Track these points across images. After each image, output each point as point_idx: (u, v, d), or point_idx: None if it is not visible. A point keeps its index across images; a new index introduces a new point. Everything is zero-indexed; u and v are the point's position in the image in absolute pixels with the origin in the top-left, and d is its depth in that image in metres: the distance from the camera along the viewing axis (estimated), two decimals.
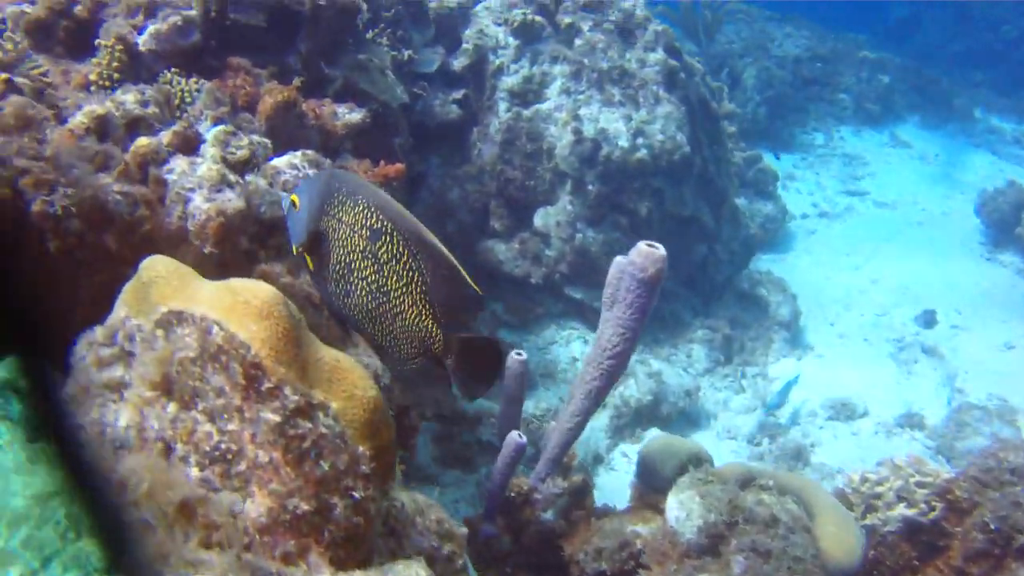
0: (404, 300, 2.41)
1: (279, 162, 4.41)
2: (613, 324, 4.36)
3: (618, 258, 4.58)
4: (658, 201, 7.97)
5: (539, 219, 7.77)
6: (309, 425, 1.74)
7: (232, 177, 3.50)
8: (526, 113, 7.81)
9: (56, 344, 3.27)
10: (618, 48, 8.16)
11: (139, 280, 1.97)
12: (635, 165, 7.64)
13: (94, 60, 4.82)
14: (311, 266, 2.59)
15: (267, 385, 1.72)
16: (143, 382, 1.78)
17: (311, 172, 4.49)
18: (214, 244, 3.32)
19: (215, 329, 1.74)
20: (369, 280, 2.40)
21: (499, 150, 7.79)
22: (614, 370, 4.47)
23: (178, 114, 4.72)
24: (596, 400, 4.60)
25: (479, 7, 8.27)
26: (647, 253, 4.14)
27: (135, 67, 4.97)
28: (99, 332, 2.00)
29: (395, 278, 2.39)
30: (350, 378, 1.89)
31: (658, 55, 8.17)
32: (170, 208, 3.37)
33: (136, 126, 4.00)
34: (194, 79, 4.95)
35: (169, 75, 4.98)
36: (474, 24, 8.16)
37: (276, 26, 6.00)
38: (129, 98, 4.03)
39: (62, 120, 4.34)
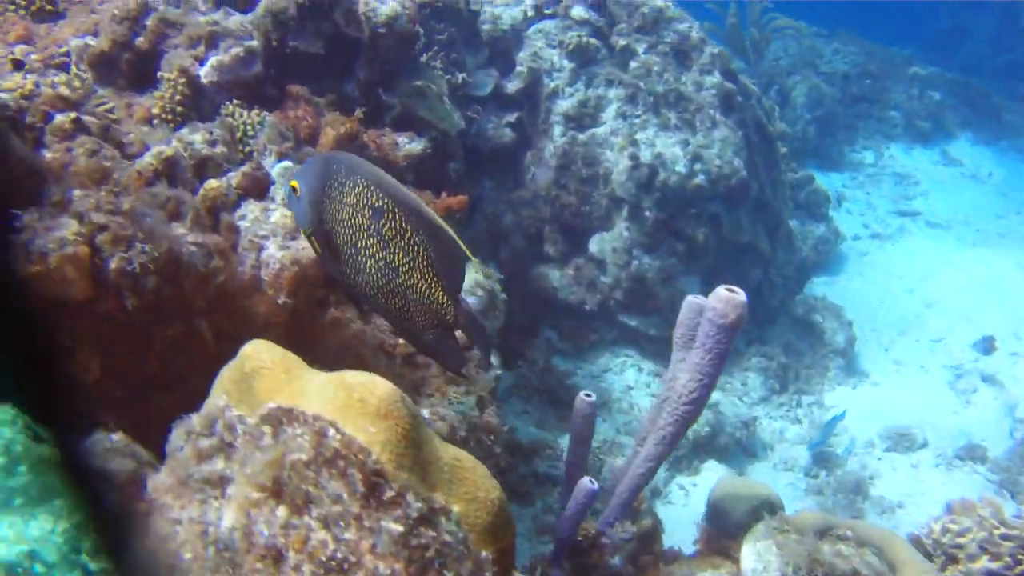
0: (413, 274, 2.48)
1: None
2: (690, 370, 4.19)
3: (690, 298, 4.42)
4: (715, 227, 7.81)
5: (594, 245, 7.63)
6: (432, 533, 1.62)
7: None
8: (581, 137, 7.67)
9: (122, 400, 3.17)
10: (674, 71, 8.01)
11: (241, 369, 1.85)
12: (692, 191, 7.49)
13: (157, 93, 4.74)
14: (318, 250, 2.64)
15: (389, 494, 1.60)
16: (250, 483, 1.66)
17: None
18: (289, 294, 3.20)
19: (331, 432, 1.61)
20: (377, 258, 2.47)
21: (554, 175, 7.66)
22: (690, 416, 4.32)
23: (242, 149, 4.62)
24: (670, 446, 4.45)
25: (532, 29, 8.15)
26: (728, 299, 3.98)
27: (197, 99, 4.89)
28: (197, 421, 1.88)
29: (401, 254, 2.45)
30: (472, 478, 1.76)
31: (714, 78, 8.01)
32: (243, 256, 3.26)
33: (204, 166, 3.90)
34: (256, 111, 4.85)
35: (231, 107, 4.90)
36: (528, 46, 8.04)
37: (334, 53, 5.91)
38: (197, 138, 3.94)
39: (128, 157, 4.27)
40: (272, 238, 3.30)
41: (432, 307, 2.53)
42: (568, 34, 8.02)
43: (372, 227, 2.44)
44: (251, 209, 3.49)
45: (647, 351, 7.94)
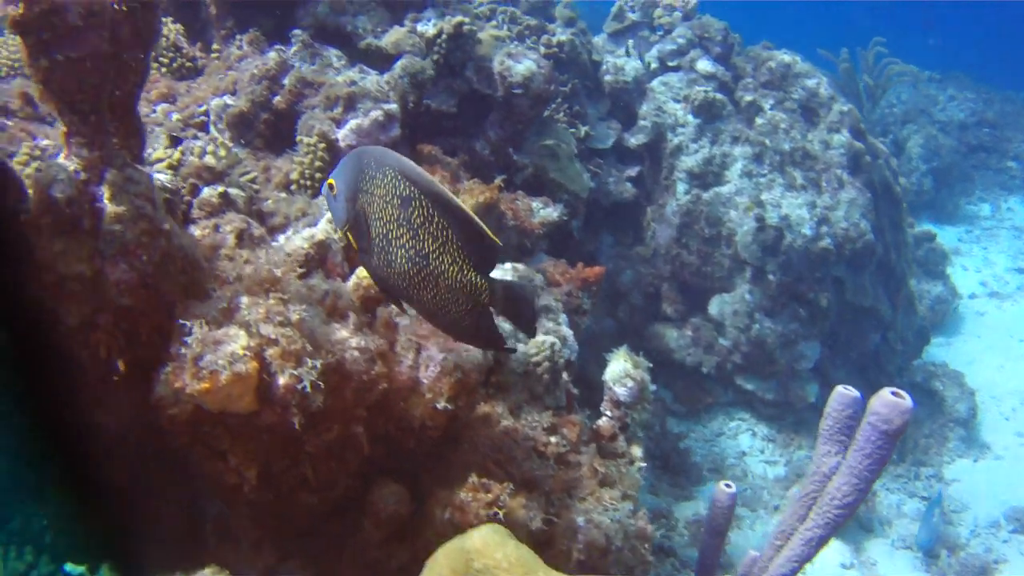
0: (443, 260, 2.49)
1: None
2: (847, 473, 3.92)
3: (841, 389, 4.13)
4: (838, 290, 7.53)
5: (714, 307, 7.39)
6: None
7: None
8: (705, 196, 7.45)
9: (268, 502, 3.03)
10: (801, 128, 7.76)
11: (466, 562, 1.68)
12: (818, 254, 7.22)
13: (296, 159, 4.64)
14: (355, 245, 2.66)
15: None
16: None
17: None
18: (449, 400, 3.04)
19: None
20: (407, 247, 2.49)
21: (675, 233, 7.44)
22: (841, 520, 4.04)
23: None
24: (817, 548, 4.18)
25: (656, 82, 7.95)
26: (893, 404, 3.70)
27: (335, 164, 4.77)
28: None
29: (430, 240, 2.45)
30: None
31: (842, 137, 7.73)
32: (401, 357, 3.10)
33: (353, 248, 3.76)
34: None
35: None
36: (651, 100, 7.83)
37: (465, 111, 5.79)
38: None
39: (272, 229, 4.16)
40: (433, 337, 3.14)
41: (466, 289, 2.53)
42: (694, 89, 7.81)
43: (401, 216, 2.45)
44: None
45: (762, 415, 7.67)
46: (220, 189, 3.89)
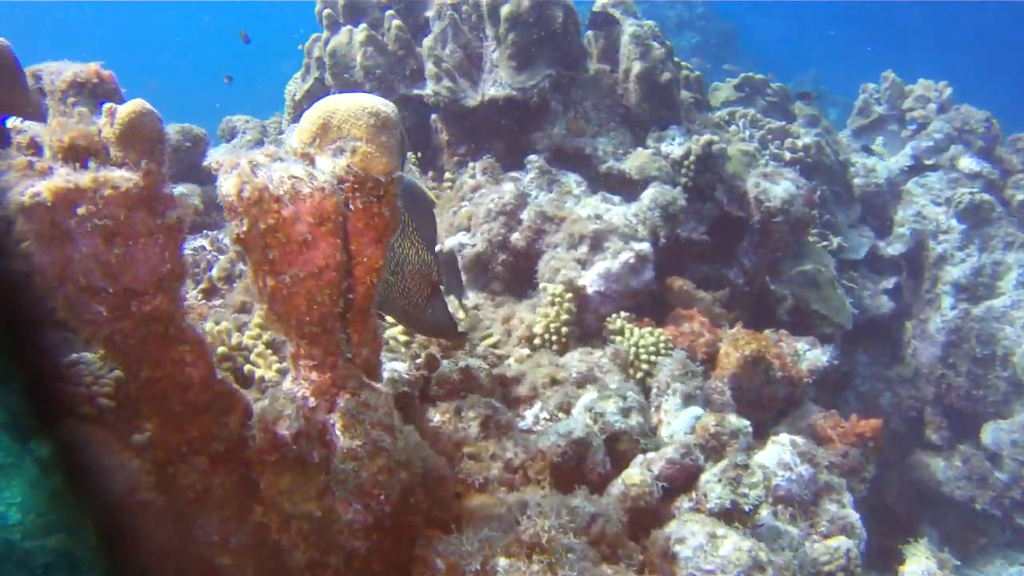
0: (404, 244, 2.52)
1: (766, 459, 3.36)
2: None
3: None
4: None
5: (988, 435, 6.29)
6: None
7: (763, 556, 2.45)
8: (976, 311, 6.40)
9: None
10: None
11: None
12: None
13: (540, 309, 4.01)
14: None
15: None
16: None
17: (803, 471, 3.42)
18: None
19: None
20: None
21: (941, 352, 6.42)
22: None
23: (635, 374, 3.81)
24: None
25: (912, 184, 6.98)
26: None
27: (580, 312, 4.12)
28: None
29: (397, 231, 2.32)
30: None
31: None
32: None
33: (616, 440, 3.08)
34: (649, 331, 4.02)
35: (619, 321, 4.10)
36: (908, 204, 6.87)
37: (716, 236, 5.05)
38: (609, 407, 3.11)
39: (516, 400, 3.53)
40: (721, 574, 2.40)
41: (423, 270, 2.58)
42: (956, 190, 6.79)
43: None
44: (689, 526, 2.60)
45: None
46: (461, 364, 3.28)
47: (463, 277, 4.43)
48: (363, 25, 5.41)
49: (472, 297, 4.37)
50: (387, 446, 2.25)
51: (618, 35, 5.38)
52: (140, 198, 1.91)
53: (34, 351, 2.18)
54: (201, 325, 3.56)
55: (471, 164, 5.13)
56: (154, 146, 1.95)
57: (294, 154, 2.17)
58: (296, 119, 5.73)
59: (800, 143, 6.66)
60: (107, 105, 1.91)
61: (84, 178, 1.86)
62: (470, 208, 4.65)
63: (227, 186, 1.93)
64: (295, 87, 6.00)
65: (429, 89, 5.29)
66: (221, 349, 3.28)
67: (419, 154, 5.45)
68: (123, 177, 1.88)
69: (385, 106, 2.23)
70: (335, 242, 2.04)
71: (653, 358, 3.87)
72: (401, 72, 5.50)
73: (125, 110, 1.91)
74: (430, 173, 5.40)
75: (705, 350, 4.11)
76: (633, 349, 3.93)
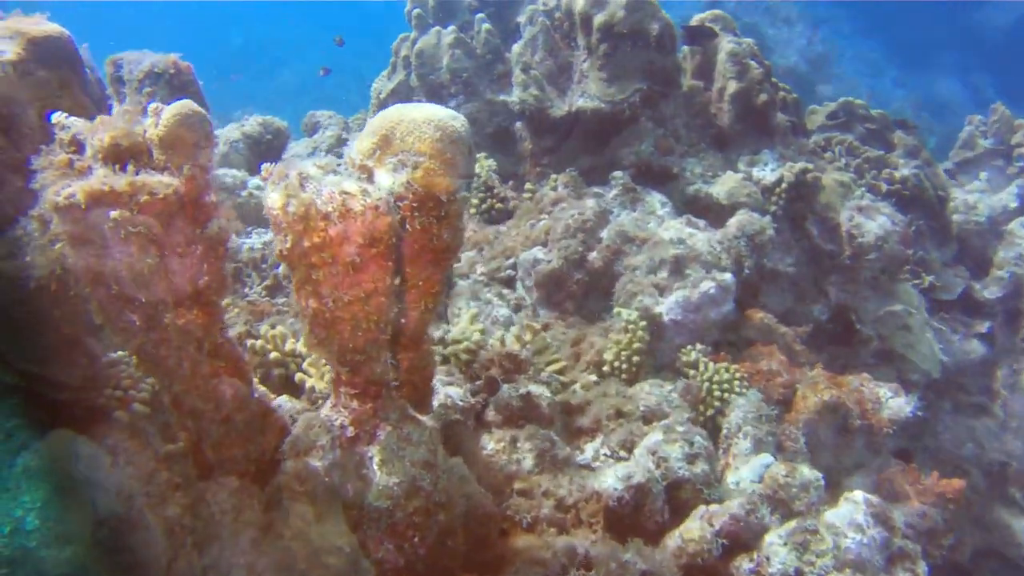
0: None
1: (837, 518, 3.09)
2: None
3: None
4: None
5: None
6: None
7: None
8: None
9: None
10: None
11: None
12: None
13: (612, 336, 3.79)
14: None
15: None
16: None
17: (876, 535, 3.15)
18: None
19: None
20: None
21: None
22: None
23: (704, 412, 3.58)
24: None
25: (1016, 224, 6.57)
26: None
27: (655, 340, 3.90)
28: None
29: None
30: None
31: None
32: None
33: (678, 488, 2.85)
34: (725, 366, 3.78)
35: (693, 352, 3.86)
36: (1010, 245, 6.47)
37: (802, 269, 4.77)
38: (674, 452, 2.89)
39: (579, 432, 3.33)
40: None
41: None
42: None
43: None
44: None
45: None
46: (522, 390, 3.09)
47: (535, 294, 4.23)
48: (452, 27, 5.26)
49: (543, 315, 4.17)
50: (426, 486, 2.06)
51: (715, 52, 5.13)
52: (179, 206, 1.76)
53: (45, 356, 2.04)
54: (256, 326, 3.42)
55: (553, 176, 4.93)
56: (199, 150, 1.79)
57: (351, 165, 2.00)
58: None
59: (898, 174, 6.31)
60: (153, 104, 1.76)
61: (121, 181, 1.71)
62: (549, 222, 4.45)
63: (273, 199, 1.77)
64: (380, 85, 5.88)
65: (515, 96, 5.10)
66: (274, 354, 3.13)
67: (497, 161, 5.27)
68: (162, 183, 1.73)
69: (454, 120, 2.05)
70: (386, 265, 1.86)
71: (726, 396, 3.62)
72: (488, 76, 5.33)
73: (171, 111, 1.76)
74: (510, 182, 5.21)
75: (781, 391, 3.85)
76: (706, 385, 3.70)
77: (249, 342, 3.22)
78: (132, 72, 3.72)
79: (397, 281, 1.95)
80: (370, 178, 1.97)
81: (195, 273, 1.82)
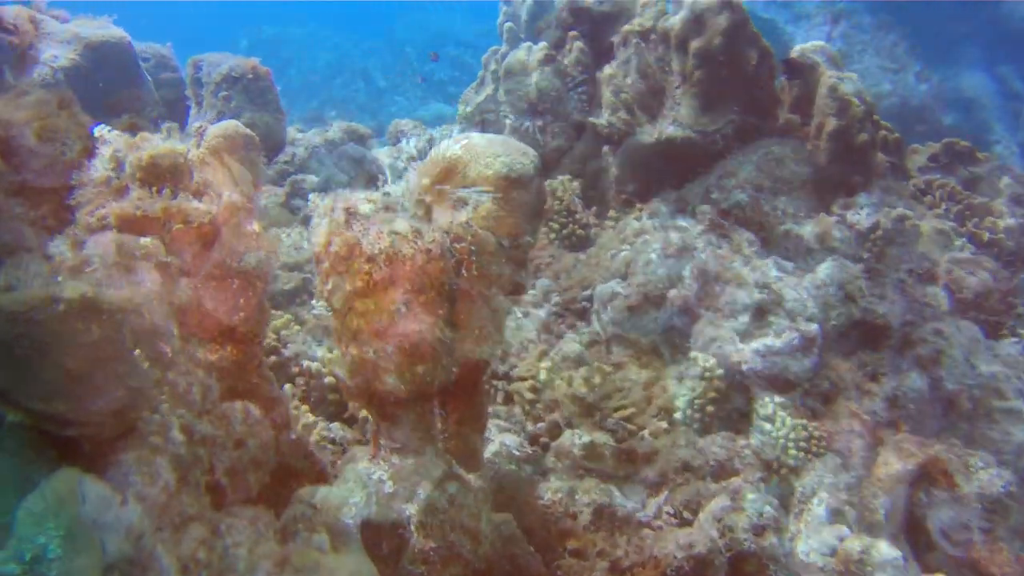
0: None
1: None
2: None
3: None
4: None
5: None
6: None
7: None
8: None
9: None
10: None
11: None
12: None
13: (688, 382, 3.57)
14: None
15: None
16: None
17: None
18: None
19: None
20: None
21: None
22: None
23: (773, 465, 3.33)
24: None
25: None
26: None
27: (731, 389, 3.65)
28: None
29: None
30: None
31: None
32: None
33: (743, 562, 2.62)
34: (803, 423, 3.52)
35: (771, 406, 3.61)
36: None
37: (894, 322, 4.46)
38: (741, 521, 2.66)
39: (646, 486, 3.11)
40: None
41: None
42: None
43: None
44: None
45: None
46: (585, 438, 2.89)
47: (610, 330, 4.01)
48: (543, 44, 5.07)
49: (616, 353, 3.96)
50: (465, 553, 1.88)
51: (815, 86, 4.85)
52: (215, 235, 1.60)
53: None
54: (316, 344, 3.28)
55: (638, 205, 4.72)
56: (243, 176, 1.63)
57: (407, 195, 1.82)
58: (465, 130, 5.45)
59: (1002, 223, 5.94)
60: (197, 124, 1.61)
61: (155, 206, 1.56)
62: (630, 254, 4.23)
63: (316, 235, 1.60)
64: (468, 97, 5.73)
65: (604, 119, 4.90)
66: (329, 379, 2.98)
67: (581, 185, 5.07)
68: (199, 211, 1.58)
69: (523, 155, 1.86)
70: (437, 313, 1.68)
71: (802, 455, 3.37)
72: (577, 97, 5.13)
73: (216, 131, 1.61)
74: (593, 208, 5.00)
75: (863, 455, 3.58)
76: (781, 442, 3.44)
77: (305, 363, 3.08)
78: (210, 75, 3.62)
79: (449, 332, 1.76)
80: (428, 214, 1.79)
81: (229, 308, 1.67)
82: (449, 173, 1.81)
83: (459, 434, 2.06)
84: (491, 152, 1.81)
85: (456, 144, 1.84)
